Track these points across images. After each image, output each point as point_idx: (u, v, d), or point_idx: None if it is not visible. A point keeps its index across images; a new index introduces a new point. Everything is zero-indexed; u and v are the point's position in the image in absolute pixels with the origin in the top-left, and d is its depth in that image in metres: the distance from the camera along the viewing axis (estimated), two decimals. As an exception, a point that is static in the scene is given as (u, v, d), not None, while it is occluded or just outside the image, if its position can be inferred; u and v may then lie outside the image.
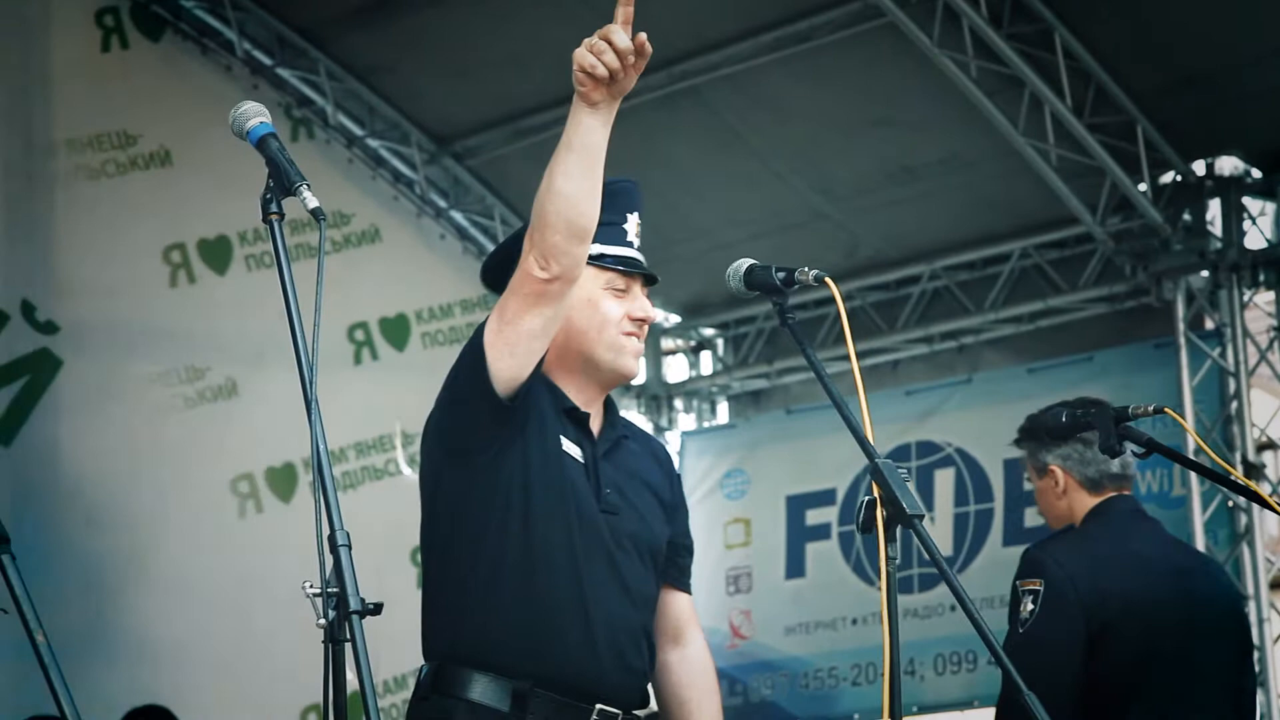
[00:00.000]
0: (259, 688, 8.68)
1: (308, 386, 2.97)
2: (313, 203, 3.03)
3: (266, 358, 8.93)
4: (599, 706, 3.61)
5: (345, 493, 9.30)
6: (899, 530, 3.23)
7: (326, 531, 2.87)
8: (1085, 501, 4.79)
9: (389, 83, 9.60)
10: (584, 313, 3.74)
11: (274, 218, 3.09)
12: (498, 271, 3.78)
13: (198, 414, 9.11)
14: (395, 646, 9.24)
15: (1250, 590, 8.26)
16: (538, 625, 3.60)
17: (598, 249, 3.68)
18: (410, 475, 9.55)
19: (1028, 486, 4.97)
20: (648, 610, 3.77)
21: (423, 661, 3.77)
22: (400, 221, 9.92)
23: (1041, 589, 4.53)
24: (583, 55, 3.41)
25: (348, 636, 2.84)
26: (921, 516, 3.12)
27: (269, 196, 3.09)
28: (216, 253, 9.17)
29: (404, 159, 9.90)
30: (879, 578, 3.19)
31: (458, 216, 10.10)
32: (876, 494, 3.11)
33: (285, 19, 9.35)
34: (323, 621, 2.84)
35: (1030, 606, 4.53)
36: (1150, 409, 3.84)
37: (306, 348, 3.00)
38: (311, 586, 2.86)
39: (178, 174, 9.04)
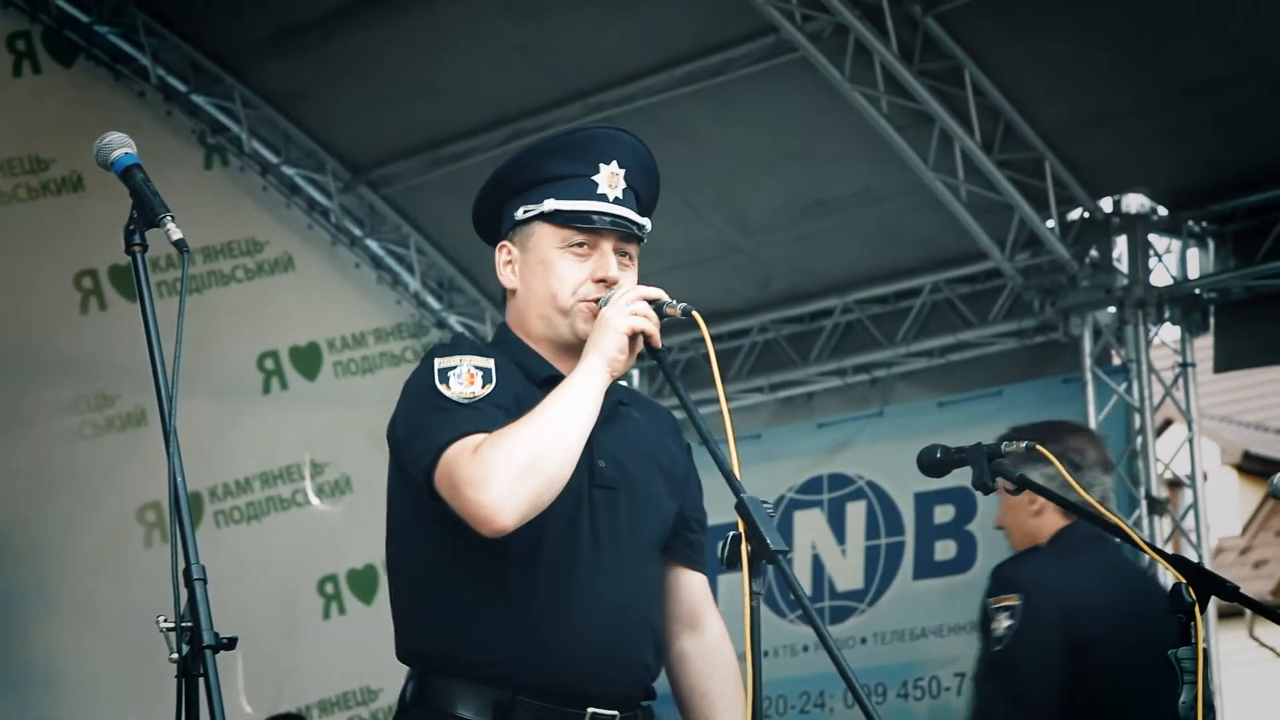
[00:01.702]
0: (164, 718, 8.61)
1: (166, 418, 2.95)
2: (176, 234, 3.01)
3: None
4: (591, 710, 3.33)
5: (249, 523, 9.27)
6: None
7: (182, 565, 2.86)
8: (1056, 522, 4.78)
9: (304, 110, 9.59)
10: (538, 277, 3.43)
11: (137, 249, 3.08)
12: (485, 224, 3.58)
13: (107, 442, 9.05)
14: (300, 678, 9.30)
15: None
16: (517, 626, 3.30)
17: (552, 205, 3.42)
18: (319, 506, 9.52)
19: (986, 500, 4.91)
20: (651, 594, 3.49)
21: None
22: (314, 250, 9.88)
23: (1019, 605, 4.48)
24: (641, 321, 3.30)
25: (202, 671, 2.82)
26: (785, 553, 3.10)
27: (132, 228, 3.07)
28: (128, 279, 9.10)
29: (319, 187, 9.88)
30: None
31: (373, 245, 10.08)
32: (741, 529, 3.10)
33: (200, 46, 9.32)
34: (175, 656, 2.82)
35: (1007, 623, 4.46)
36: (1023, 446, 3.86)
37: (166, 379, 2.99)
38: (165, 621, 2.84)
39: (90, 200, 8.96)
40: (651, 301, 3.33)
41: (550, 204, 3.42)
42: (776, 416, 9.90)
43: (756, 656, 3.09)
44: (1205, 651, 3.46)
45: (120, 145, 3.11)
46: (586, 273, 3.42)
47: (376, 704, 9.41)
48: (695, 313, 3.29)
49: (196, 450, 8.67)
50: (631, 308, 3.31)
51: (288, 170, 9.79)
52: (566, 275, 3.41)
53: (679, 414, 3.73)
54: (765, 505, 3.19)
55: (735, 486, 3.19)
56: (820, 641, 3.09)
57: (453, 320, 10.25)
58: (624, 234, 3.45)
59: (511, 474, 3.14)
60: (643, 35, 8.58)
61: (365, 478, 9.62)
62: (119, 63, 9.29)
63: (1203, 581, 3.50)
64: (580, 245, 3.42)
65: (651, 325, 3.31)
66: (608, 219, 3.42)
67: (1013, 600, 4.53)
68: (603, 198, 3.43)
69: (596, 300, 3.40)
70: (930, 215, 8.72)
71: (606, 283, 3.40)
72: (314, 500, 9.47)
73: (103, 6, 9.13)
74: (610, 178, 3.44)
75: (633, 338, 3.31)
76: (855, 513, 9.44)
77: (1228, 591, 3.52)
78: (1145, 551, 3.54)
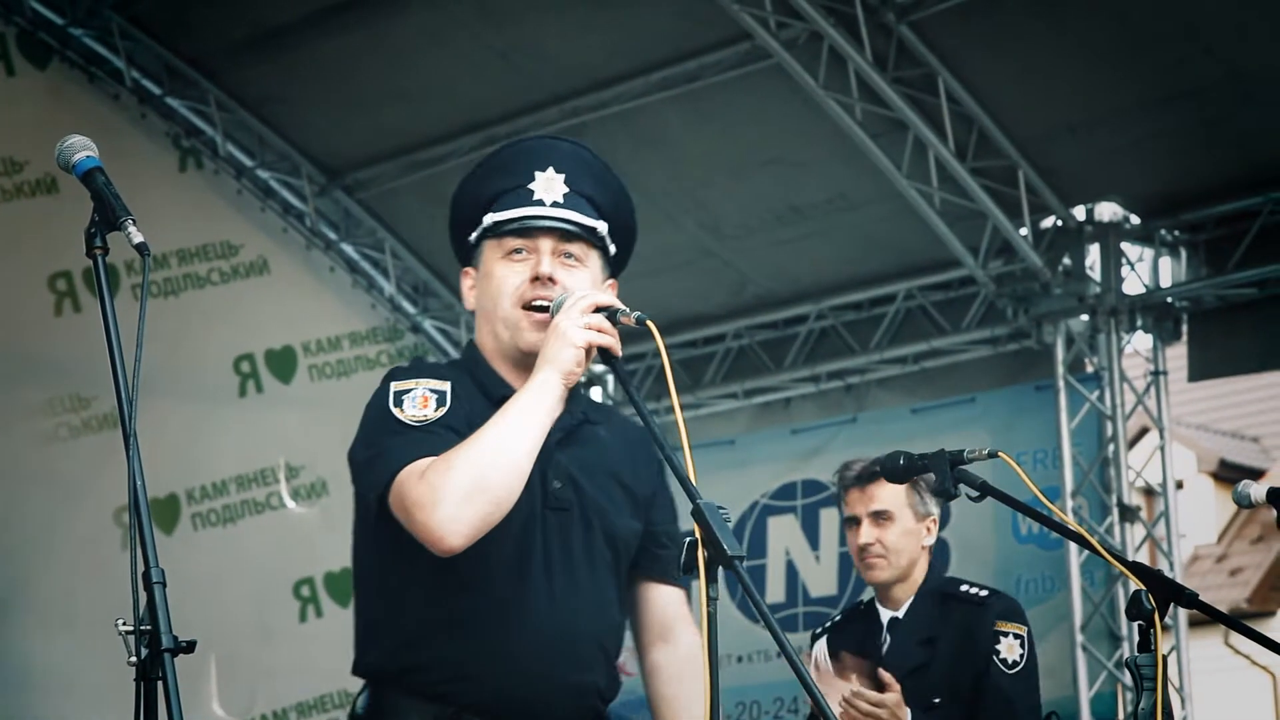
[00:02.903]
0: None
1: (126, 421, 2.95)
2: (137, 238, 3.01)
3: (152, 388, 8.83)
4: None
5: (225, 526, 9.26)
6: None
7: (141, 569, 2.85)
8: (926, 561, 5.05)
9: (279, 114, 9.59)
10: (487, 292, 3.46)
11: (98, 252, 3.07)
12: (461, 255, 3.58)
13: (83, 443, 9.03)
14: (276, 681, 9.28)
15: (1124, 632, 8.38)
16: (461, 644, 3.33)
17: (490, 219, 3.45)
18: (295, 509, 9.51)
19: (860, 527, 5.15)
20: (603, 616, 3.47)
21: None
22: (289, 253, 9.88)
23: (1026, 634, 4.84)
24: (598, 337, 3.26)
25: (160, 674, 2.81)
26: (741, 558, 3.09)
27: (93, 231, 3.07)
28: (103, 282, 9.08)
29: (294, 190, 9.88)
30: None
31: (348, 249, 10.09)
32: (698, 535, 3.10)
33: (174, 49, 9.32)
34: (134, 659, 2.81)
35: (1020, 651, 4.81)
36: (985, 453, 3.88)
37: (127, 383, 2.99)
38: (124, 624, 2.84)
39: (64, 202, 8.90)
40: (604, 309, 3.31)
41: (489, 218, 3.45)
42: (751, 422, 9.90)
43: (713, 662, 3.09)
44: (1164, 658, 3.48)
45: (82, 148, 3.10)
46: (524, 276, 3.42)
47: (354, 708, 9.40)
48: (650, 322, 3.22)
49: (172, 452, 8.75)
50: (586, 319, 3.27)
51: (262, 174, 9.78)
52: (505, 282, 3.43)
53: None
54: (722, 511, 3.19)
55: (690, 492, 3.18)
56: (778, 646, 3.10)
57: (427, 324, 10.25)
58: (564, 234, 3.43)
59: (457, 496, 3.17)
60: (618, 41, 8.59)
61: (341, 481, 9.53)
62: (93, 65, 9.28)
63: (1161, 589, 3.52)
64: (518, 251, 3.44)
65: (610, 340, 3.28)
66: (543, 220, 3.43)
67: (1022, 630, 4.85)
68: (539, 203, 3.44)
69: (534, 301, 3.39)
70: (904, 222, 8.73)
71: (541, 279, 3.40)
72: (290, 503, 9.46)
73: (77, 9, 9.12)
74: (546, 183, 3.46)
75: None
76: (829, 518, 9.44)
77: (1186, 598, 3.54)
78: (1107, 560, 3.55)
